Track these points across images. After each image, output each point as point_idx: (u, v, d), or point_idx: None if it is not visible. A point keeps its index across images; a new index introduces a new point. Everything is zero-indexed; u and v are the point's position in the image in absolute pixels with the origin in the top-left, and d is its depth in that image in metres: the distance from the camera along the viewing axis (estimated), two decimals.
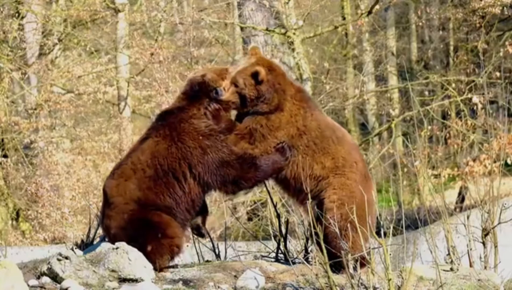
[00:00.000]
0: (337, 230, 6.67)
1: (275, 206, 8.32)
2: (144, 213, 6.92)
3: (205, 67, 7.56)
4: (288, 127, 7.14)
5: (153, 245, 6.87)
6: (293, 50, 20.84)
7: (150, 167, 6.98)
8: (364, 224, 6.75)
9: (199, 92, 7.15)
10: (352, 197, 6.90)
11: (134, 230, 6.90)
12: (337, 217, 6.85)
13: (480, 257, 7.45)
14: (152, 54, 22.38)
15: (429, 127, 21.14)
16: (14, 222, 22.35)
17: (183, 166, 6.98)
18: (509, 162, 18.72)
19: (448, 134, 22.00)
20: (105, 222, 7.09)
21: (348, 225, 6.75)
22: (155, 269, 6.78)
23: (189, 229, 7.34)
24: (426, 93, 25.32)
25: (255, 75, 7.07)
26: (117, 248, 6.66)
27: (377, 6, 21.74)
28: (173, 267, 7.23)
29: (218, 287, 6.72)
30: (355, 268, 6.62)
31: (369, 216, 6.96)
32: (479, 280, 6.90)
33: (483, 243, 7.45)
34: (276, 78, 7.15)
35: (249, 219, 20.80)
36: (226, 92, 7.11)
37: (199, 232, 7.42)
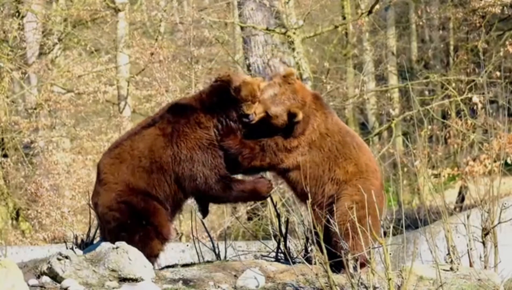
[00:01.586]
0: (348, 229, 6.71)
1: (275, 206, 8.32)
2: (131, 197, 6.97)
3: (239, 75, 7.34)
4: (308, 140, 7.13)
5: (139, 234, 6.92)
6: (293, 49, 20.83)
7: (146, 158, 7.02)
8: (378, 228, 6.79)
9: (222, 104, 7.04)
10: (371, 202, 6.90)
11: (120, 212, 6.96)
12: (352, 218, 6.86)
13: (480, 257, 7.44)
14: (152, 53, 22.36)
15: (429, 127, 21.12)
16: (14, 222, 22.34)
17: (171, 169, 7.00)
18: (509, 161, 18.70)
19: (448, 134, 21.98)
20: (93, 199, 7.16)
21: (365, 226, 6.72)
22: (146, 256, 6.78)
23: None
24: (426, 92, 25.29)
25: (292, 116, 7.03)
26: (117, 248, 6.66)
27: (377, 6, 21.71)
28: (173, 266, 7.22)
29: (218, 286, 6.71)
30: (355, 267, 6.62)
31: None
32: (479, 279, 6.89)
33: (483, 243, 7.45)
34: (306, 110, 7.13)
35: (249, 218, 20.78)
36: (255, 116, 7.04)
37: (203, 209, 7.41)
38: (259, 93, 7.07)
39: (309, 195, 6.88)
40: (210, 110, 7.05)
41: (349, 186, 7.09)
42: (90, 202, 7.39)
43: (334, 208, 7.03)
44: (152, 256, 6.93)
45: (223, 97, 7.04)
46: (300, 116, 7.02)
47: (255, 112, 7.02)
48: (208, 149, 6.99)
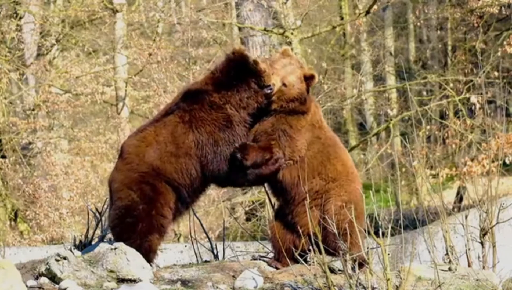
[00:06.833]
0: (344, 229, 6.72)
1: (273, 206, 8.32)
2: (155, 181, 6.98)
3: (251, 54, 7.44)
4: (311, 122, 7.16)
5: (142, 225, 6.92)
6: (291, 50, 20.84)
7: (171, 143, 7.06)
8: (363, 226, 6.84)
9: (240, 77, 7.06)
10: (360, 202, 6.94)
11: (138, 193, 6.96)
12: (345, 217, 6.86)
13: (479, 257, 7.45)
14: (150, 54, 22.36)
15: (427, 127, 21.13)
16: (12, 223, 22.34)
17: (195, 154, 7.04)
18: (507, 161, 18.73)
19: (446, 134, 21.99)
20: (112, 174, 7.17)
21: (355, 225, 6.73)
22: (144, 249, 6.81)
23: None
24: (424, 93, 25.31)
25: (310, 78, 7.08)
26: (115, 249, 6.66)
27: (375, 6, 21.74)
28: (171, 267, 7.22)
29: (217, 287, 6.71)
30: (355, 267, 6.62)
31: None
32: (477, 280, 6.90)
33: (482, 243, 7.46)
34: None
35: (248, 219, 20.79)
36: (275, 87, 7.06)
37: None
38: (271, 68, 7.14)
39: (307, 195, 6.87)
40: (225, 87, 7.08)
41: (336, 186, 7.08)
42: (107, 181, 7.37)
43: (323, 207, 7.02)
44: (150, 251, 6.93)
45: (240, 70, 7.06)
46: (317, 78, 7.10)
47: (273, 83, 7.05)
48: (227, 128, 7.04)
